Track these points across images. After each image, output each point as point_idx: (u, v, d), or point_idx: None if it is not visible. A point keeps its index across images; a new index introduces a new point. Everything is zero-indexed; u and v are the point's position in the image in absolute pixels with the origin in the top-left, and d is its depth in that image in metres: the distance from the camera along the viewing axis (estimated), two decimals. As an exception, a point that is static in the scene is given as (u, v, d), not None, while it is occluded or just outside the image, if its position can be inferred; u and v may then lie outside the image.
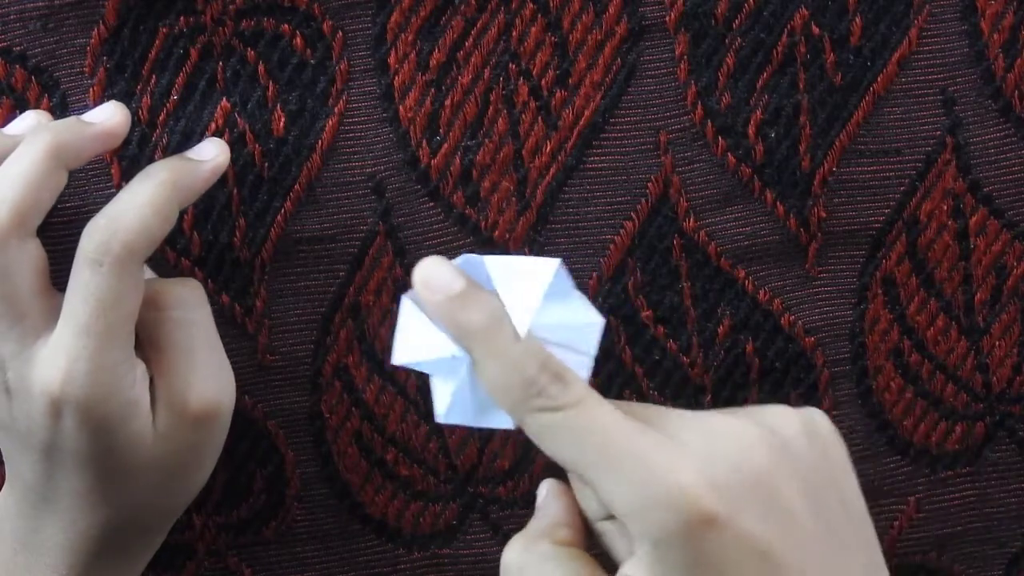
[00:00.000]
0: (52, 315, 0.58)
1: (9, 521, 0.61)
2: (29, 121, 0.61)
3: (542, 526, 0.55)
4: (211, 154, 0.61)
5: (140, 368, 0.59)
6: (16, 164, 0.58)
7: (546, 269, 0.54)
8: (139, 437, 0.59)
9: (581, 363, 0.54)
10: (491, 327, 0.53)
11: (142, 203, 0.58)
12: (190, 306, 0.60)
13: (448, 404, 0.55)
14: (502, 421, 0.55)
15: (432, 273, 0.54)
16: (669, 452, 0.51)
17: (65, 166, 0.58)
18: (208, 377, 0.60)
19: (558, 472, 0.65)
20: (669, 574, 0.50)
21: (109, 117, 0.60)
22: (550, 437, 0.52)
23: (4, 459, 0.62)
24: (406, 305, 0.55)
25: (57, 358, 0.57)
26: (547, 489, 0.56)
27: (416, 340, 0.55)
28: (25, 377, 0.58)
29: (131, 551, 0.62)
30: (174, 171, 0.59)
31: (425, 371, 0.55)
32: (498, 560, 0.66)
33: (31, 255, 0.58)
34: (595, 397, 0.52)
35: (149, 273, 0.62)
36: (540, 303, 0.54)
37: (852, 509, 0.53)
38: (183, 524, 0.65)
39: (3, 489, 0.62)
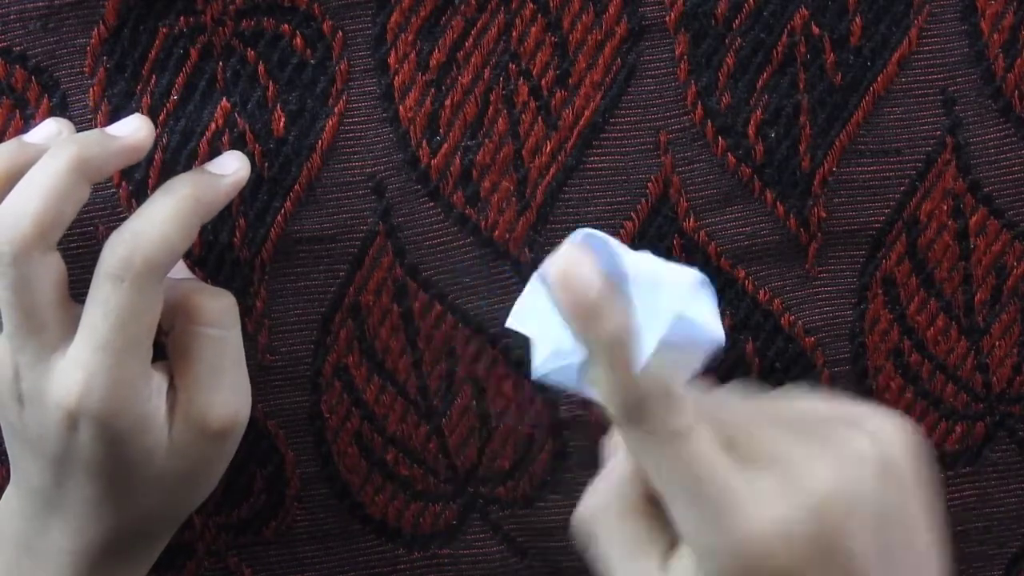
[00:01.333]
0: (70, 327, 0.58)
1: (13, 524, 0.61)
2: (50, 129, 0.61)
3: (614, 480, 0.55)
4: (232, 168, 0.61)
5: (156, 380, 0.59)
6: (39, 175, 0.58)
7: (686, 279, 0.52)
8: (152, 449, 0.59)
9: (691, 370, 0.53)
10: (616, 343, 0.51)
11: (164, 218, 0.58)
12: (225, 324, 0.60)
13: (547, 367, 0.53)
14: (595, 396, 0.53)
15: (571, 271, 0.51)
16: (747, 493, 0.51)
17: (88, 180, 0.58)
18: (230, 395, 0.60)
19: (561, 470, 0.65)
20: None
21: (134, 131, 0.60)
22: (644, 454, 0.52)
23: (11, 462, 0.61)
24: (535, 282, 0.53)
25: (75, 371, 0.57)
26: (615, 444, 0.56)
27: (536, 313, 0.53)
28: (41, 388, 0.58)
29: (135, 557, 0.62)
30: (196, 186, 0.59)
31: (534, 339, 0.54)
32: (499, 560, 0.66)
33: (52, 268, 0.58)
34: (696, 428, 0.51)
35: (185, 272, 0.62)
36: (672, 320, 0.52)
37: (918, 544, 0.54)
38: (183, 524, 0.65)
39: (8, 490, 0.62)
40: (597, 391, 0.52)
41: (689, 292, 0.52)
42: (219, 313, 0.60)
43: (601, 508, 0.54)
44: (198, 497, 0.62)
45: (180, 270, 0.63)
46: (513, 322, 0.54)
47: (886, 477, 0.52)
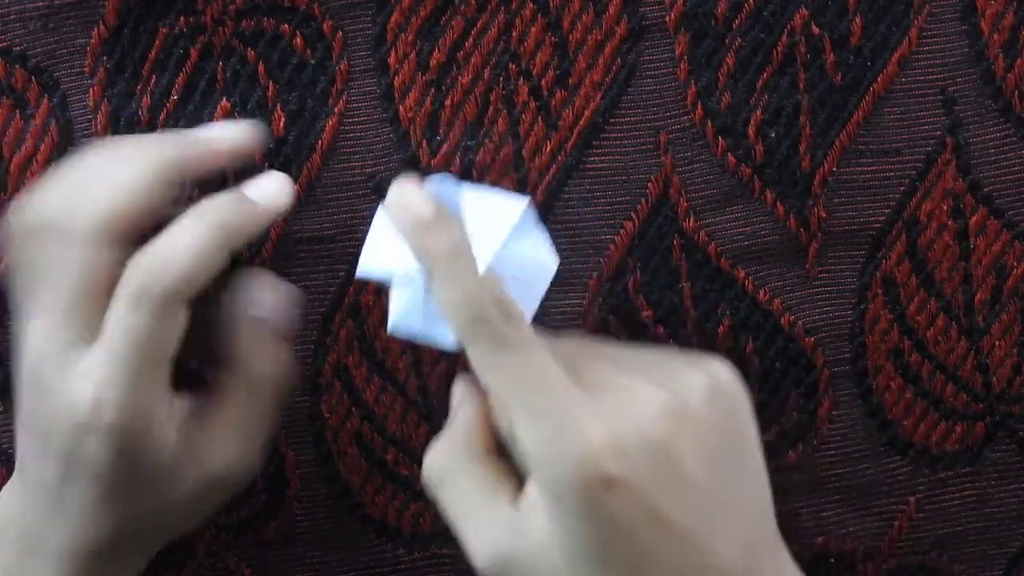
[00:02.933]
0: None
1: (16, 522, 0.61)
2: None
3: (460, 431, 0.58)
4: (271, 193, 0.60)
5: (177, 405, 0.59)
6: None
7: (515, 207, 0.57)
8: (156, 467, 0.58)
9: (530, 303, 0.57)
10: (452, 255, 0.56)
11: (189, 246, 0.57)
12: (277, 389, 0.60)
13: (400, 313, 0.57)
14: (446, 341, 0.57)
15: (406, 195, 0.57)
16: (585, 411, 0.54)
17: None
18: (249, 449, 0.60)
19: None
20: (564, 525, 0.54)
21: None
22: (487, 368, 0.55)
23: (19, 456, 0.61)
24: (379, 216, 0.58)
25: (89, 379, 0.57)
26: (461, 391, 0.59)
27: (384, 252, 0.58)
28: (53, 385, 0.58)
29: (131, 558, 0.61)
30: (227, 213, 0.58)
31: (386, 282, 0.58)
32: (498, 560, 0.66)
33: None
34: (537, 342, 0.55)
35: (263, 276, 0.61)
36: (504, 240, 0.57)
37: (749, 466, 0.56)
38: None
39: (11, 486, 0.62)
40: (442, 308, 0.56)
41: (520, 218, 0.57)
42: (277, 384, 0.60)
43: (449, 457, 0.57)
44: (196, 519, 0.62)
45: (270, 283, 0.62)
46: (364, 266, 0.58)
47: (714, 401, 0.55)
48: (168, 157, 0.59)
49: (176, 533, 0.62)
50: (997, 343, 0.65)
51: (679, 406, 0.54)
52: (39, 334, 0.58)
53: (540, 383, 0.54)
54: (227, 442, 0.60)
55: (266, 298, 0.61)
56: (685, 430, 0.54)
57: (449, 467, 0.57)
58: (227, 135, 0.61)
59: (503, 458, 0.57)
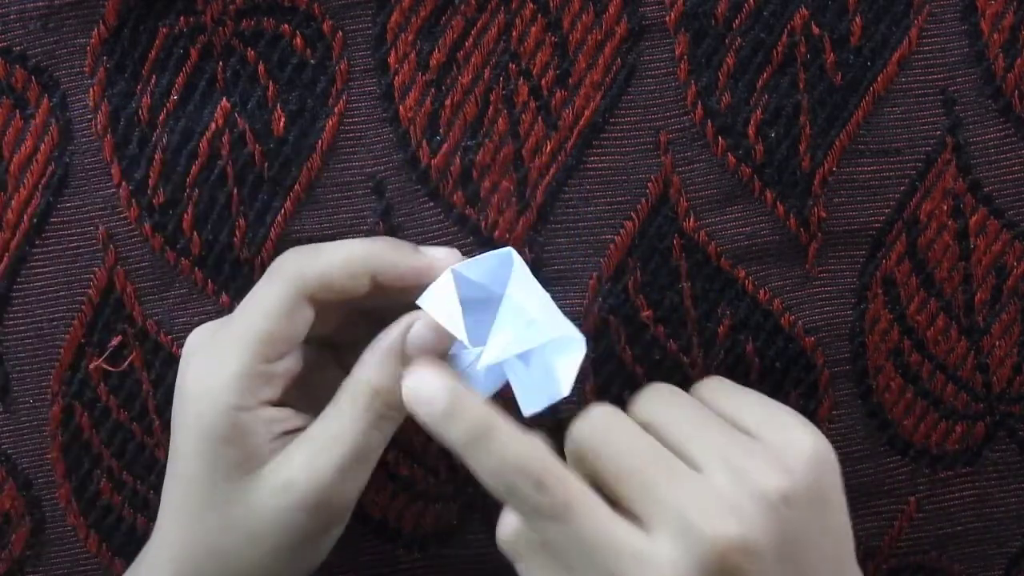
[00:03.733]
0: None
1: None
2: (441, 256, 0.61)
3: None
4: (438, 253, 0.61)
5: (269, 413, 0.59)
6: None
7: (561, 331, 0.58)
8: (248, 468, 0.59)
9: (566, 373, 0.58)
10: (472, 441, 0.55)
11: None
12: (389, 426, 0.60)
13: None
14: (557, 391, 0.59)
15: (421, 388, 0.56)
16: (651, 564, 0.53)
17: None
18: (340, 481, 0.59)
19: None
20: None
21: (437, 255, 0.60)
22: (540, 530, 0.55)
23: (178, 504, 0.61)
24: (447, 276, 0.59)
25: (307, 470, 0.58)
26: None
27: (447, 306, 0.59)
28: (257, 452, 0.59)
29: None
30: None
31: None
32: (498, 560, 0.66)
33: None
34: (581, 496, 0.55)
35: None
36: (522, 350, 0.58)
37: (841, 530, 0.57)
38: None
39: (161, 531, 0.62)
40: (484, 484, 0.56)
41: (556, 340, 0.58)
42: (396, 407, 0.59)
43: (515, 535, 0.56)
44: (264, 558, 0.61)
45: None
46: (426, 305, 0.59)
47: (788, 509, 0.54)
48: (370, 253, 0.60)
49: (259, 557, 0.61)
50: (997, 343, 0.65)
51: (746, 534, 0.53)
52: (223, 370, 0.59)
53: (591, 538, 0.54)
54: (319, 455, 0.59)
55: (422, 328, 0.60)
56: (754, 558, 0.53)
57: (521, 542, 0.57)
58: (440, 255, 0.61)
59: None
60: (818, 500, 0.55)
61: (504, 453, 0.55)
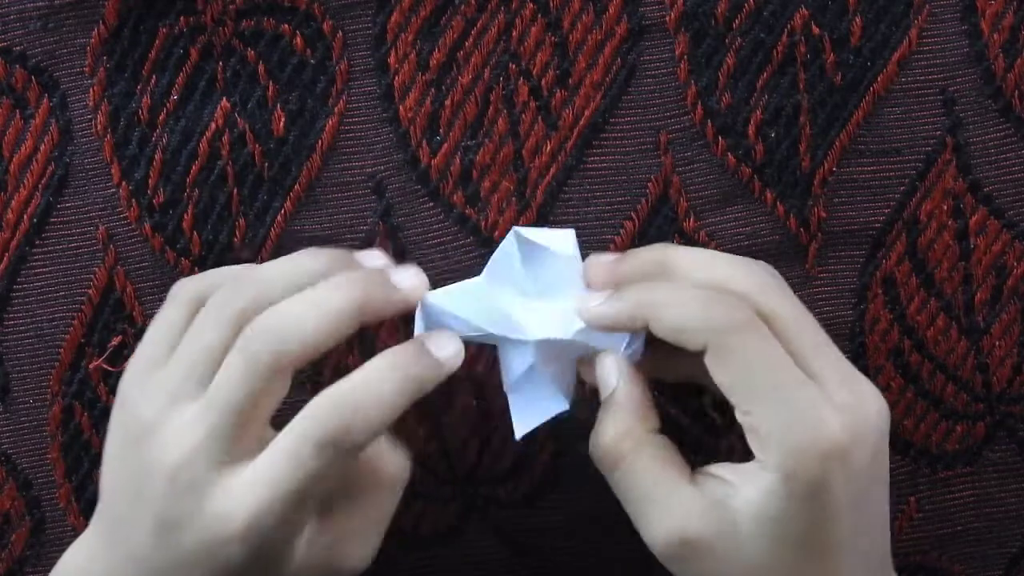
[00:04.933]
0: (259, 450, 0.56)
1: None
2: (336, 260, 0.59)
3: (629, 410, 0.57)
4: (449, 352, 0.58)
5: (312, 522, 0.58)
6: (321, 303, 0.56)
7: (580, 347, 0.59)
8: (284, 569, 0.58)
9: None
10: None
11: (385, 402, 0.56)
12: (397, 490, 0.59)
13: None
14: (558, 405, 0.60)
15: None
16: (824, 399, 0.55)
17: (360, 322, 0.57)
18: (367, 550, 0.59)
19: (561, 470, 0.65)
20: (779, 505, 0.55)
21: (413, 289, 0.58)
22: (721, 364, 0.55)
23: (111, 516, 0.59)
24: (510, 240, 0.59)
25: (247, 501, 0.55)
26: (618, 371, 0.58)
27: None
28: (206, 494, 0.56)
29: None
30: (424, 370, 0.57)
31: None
32: (499, 560, 0.66)
33: (281, 394, 0.56)
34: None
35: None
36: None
37: (882, 503, 0.58)
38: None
39: (89, 542, 0.60)
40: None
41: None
42: (404, 478, 0.59)
43: (624, 436, 0.57)
44: None
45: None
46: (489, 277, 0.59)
47: (882, 439, 0.57)
48: (355, 309, 0.57)
49: None
50: (997, 343, 0.65)
51: (885, 416, 0.57)
52: (194, 435, 0.56)
53: (777, 372, 0.55)
54: (358, 540, 0.59)
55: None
56: (883, 439, 0.57)
57: (624, 447, 0.57)
58: (407, 286, 0.59)
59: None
60: (883, 456, 0.58)
61: (684, 288, 0.57)
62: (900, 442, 0.66)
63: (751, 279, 0.57)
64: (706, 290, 0.56)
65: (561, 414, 0.60)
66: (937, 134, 0.64)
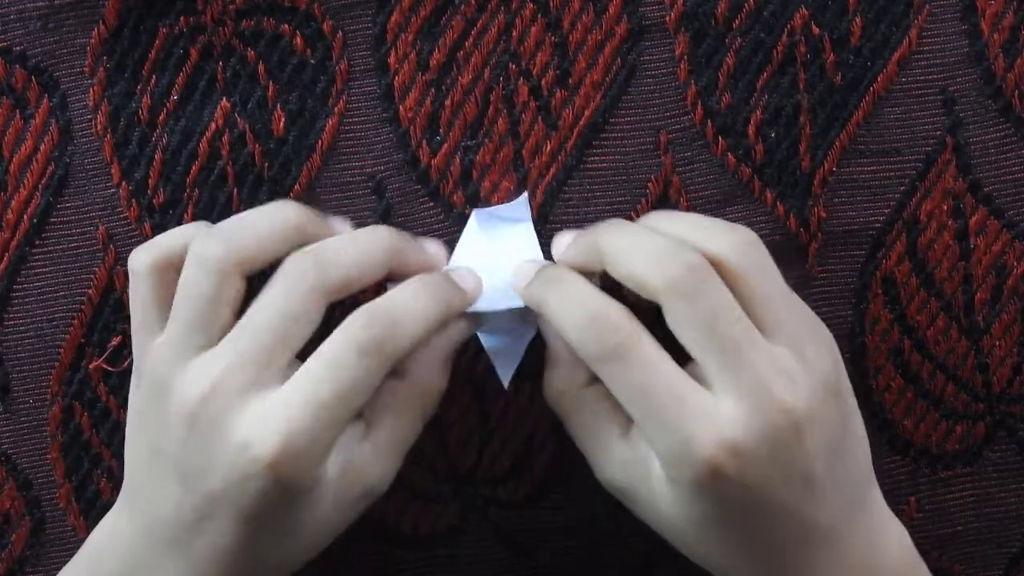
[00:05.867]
0: (286, 373, 0.56)
1: (119, 553, 0.59)
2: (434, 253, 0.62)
3: (563, 368, 0.60)
4: (471, 285, 0.60)
5: (342, 439, 0.57)
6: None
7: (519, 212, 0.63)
8: (312, 505, 0.57)
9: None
10: (551, 285, 0.58)
11: (424, 315, 0.57)
12: (429, 412, 0.60)
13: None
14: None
15: (521, 267, 0.61)
16: (701, 414, 0.55)
17: (440, 324, 0.58)
18: (393, 465, 0.59)
19: (561, 470, 0.65)
20: (677, 494, 0.56)
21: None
22: (605, 377, 0.56)
23: (133, 485, 0.59)
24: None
25: (279, 422, 0.55)
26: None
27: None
28: (228, 422, 0.55)
29: None
30: (448, 292, 0.59)
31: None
32: (499, 560, 0.66)
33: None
34: (648, 340, 0.56)
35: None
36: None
37: (854, 433, 0.59)
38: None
39: (117, 518, 0.60)
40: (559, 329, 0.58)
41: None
42: (441, 389, 0.60)
43: (561, 386, 0.59)
44: (318, 548, 0.59)
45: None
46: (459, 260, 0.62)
47: (836, 397, 0.57)
48: (396, 249, 0.59)
49: (311, 554, 0.60)
50: (997, 343, 0.65)
51: (799, 408, 0.56)
52: (217, 372, 0.56)
53: (652, 387, 0.55)
54: (383, 457, 0.58)
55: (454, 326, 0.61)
56: (800, 432, 0.56)
57: (562, 404, 0.60)
58: (440, 256, 0.62)
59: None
60: (847, 398, 0.58)
61: (582, 294, 0.57)
62: (900, 442, 0.66)
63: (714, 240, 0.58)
64: (660, 244, 0.57)
65: (532, 338, 0.62)
66: (937, 134, 0.64)
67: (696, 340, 0.56)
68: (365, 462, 0.58)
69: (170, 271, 0.58)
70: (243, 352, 0.56)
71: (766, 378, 0.55)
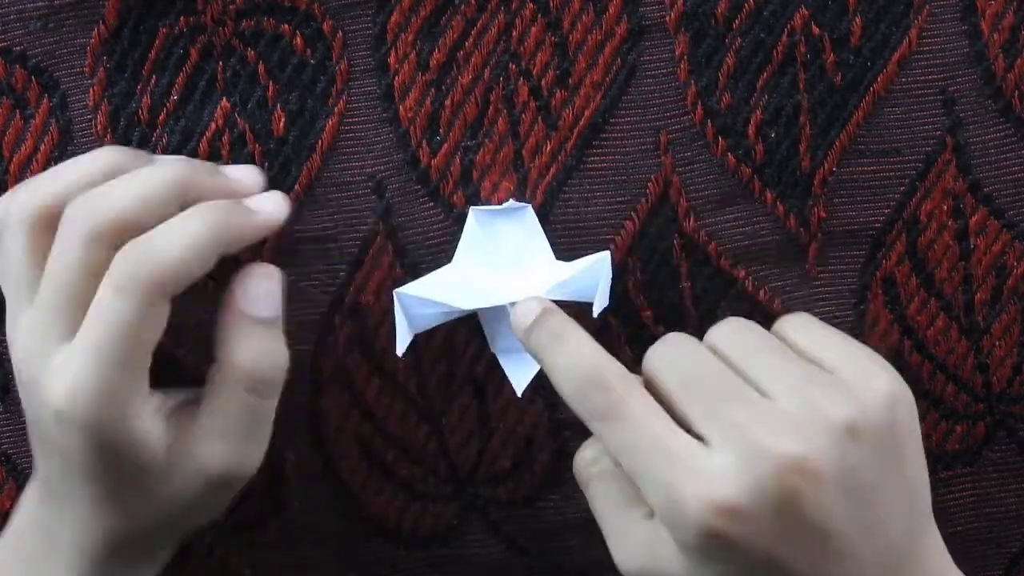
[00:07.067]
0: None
1: (35, 520, 0.61)
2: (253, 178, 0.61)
3: (595, 439, 0.59)
4: (268, 208, 0.60)
5: (155, 401, 0.58)
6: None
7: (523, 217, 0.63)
8: (146, 468, 0.58)
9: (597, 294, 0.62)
10: (548, 343, 0.59)
11: (184, 242, 0.56)
12: (267, 393, 0.59)
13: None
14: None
15: (520, 307, 0.60)
16: (694, 467, 0.54)
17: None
18: (240, 449, 0.59)
19: (561, 470, 0.65)
20: (689, 563, 0.55)
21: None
22: (601, 435, 0.56)
23: (32, 449, 0.61)
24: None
25: (66, 372, 0.56)
26: None
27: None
28: (36, 379, 0.57)
29: (143, 556, 0.61)
30: (225, 213, 0.58)
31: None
32: (499, 560, 0.66)
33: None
34: (632, 399, 0.56)
35: (254, 269, 0.60)
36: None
37: (905, 471, 0.57)
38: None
39: (31, 483, 0.62)
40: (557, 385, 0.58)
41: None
42: (266, 378, 0.59)
43: (590, 461, 0.59)
44: (195, 523, 0.62)
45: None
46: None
47: (854, 441, 0.55)
48: (183, 182, 0.58)
49: (184, 532, 0.62)
50: (997, 343, 0.65)
51: (812, 457, 0.54)
52: (28, 329, 0.57)
53: (646, 448, 0.55)
54: (218, 440, 0.59)
55: (256, 290, 0.59)
56: (808, 484, 0.54)
57: (592, 470, 0.59)
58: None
59: None
60: (890, 442, 0.55)
61: (578, 354, 0.57)
62: (900, 442, 0.66)
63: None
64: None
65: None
66: (937, 134, 0.64)
67: (680, 398, 0.56)
68: (194, 441, 0.58)
69: (49, 226, 0.58)
70: (44, 307, 0.57)
71: (757, 429, 0.54)
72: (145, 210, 0.57)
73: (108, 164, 0.58)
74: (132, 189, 0.57)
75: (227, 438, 0.59)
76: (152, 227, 0.57)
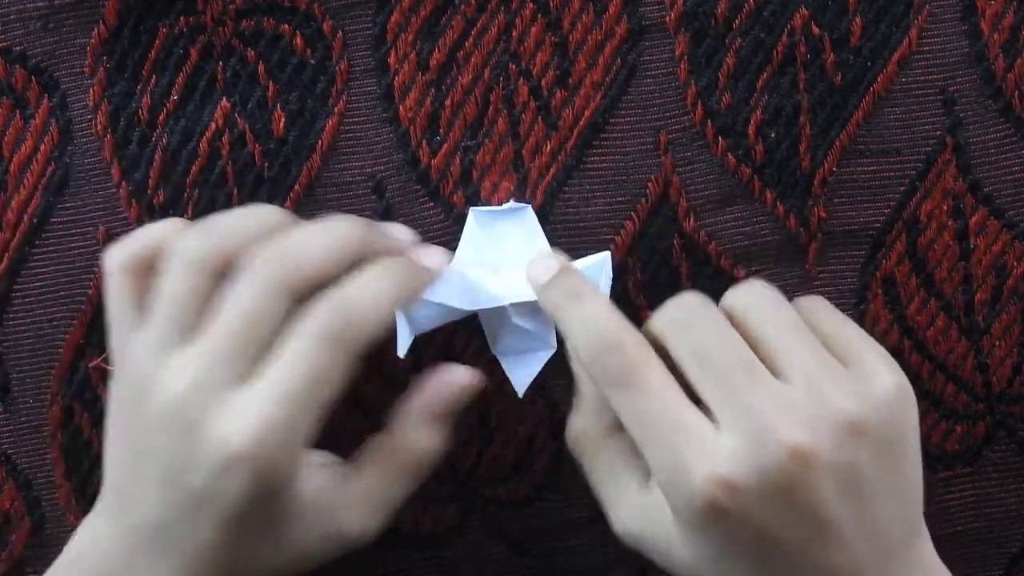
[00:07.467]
0: (259, 370, 0.56)
1: (103, 559, 0.59)
2: (391, 234, 0.62)
3: (593, 406, 0.61)
4: (437, 262, 0.61)
5: (317, 456, 0.59)
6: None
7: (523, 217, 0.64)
8: (290, 516, 0.58)
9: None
10: (564, 302, 0.59)
11: (379, 300, 0.57)
12: (422, 474, 0.61)
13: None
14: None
15: (537, 263, 0.61)
16: (705, 445, 0.55)
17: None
18: (379, 518, 0.60)
19: (561, 470, 0.65)
20: (685, 532, 0.56)
21: (440, 264, 0.61)
22: (613, 402, 0.57)
23: (114, 489, 0.59)
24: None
25: (253, 416, 0.55)
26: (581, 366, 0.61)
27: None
28: (207, 421, 0.55)
29: None
30: (409, 272, 0.59)
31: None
32: (499, 560, 0.66)
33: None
34: (655, 366, 0.56)
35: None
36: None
37: (901, 471, 0.58)
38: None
39: (95, 520, 0.60)
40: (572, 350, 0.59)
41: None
42: (433, 468, 0.61)
43: (582, 431, 0.60)
44: (304, 569, 0.60)
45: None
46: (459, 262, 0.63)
47: (857, 439, 0.56)
48: (364, 239, 0.58)
49: (288, 573, 0.60)
50: (997, 343, 0.65)
51: (806, 447, 0.55)
52: (193, 372, 0.56)
53: (657, 416, 0.56)
54: (362, 509, 0.59)
55: (447, 394, 0.61)
56: (808, 472, 0.55)
57: (584, 440, 0.60)
58: (407, 239, 0.62)
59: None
60: (892, 443, 0.57)
61: (598, 317, 0.57)
62: (900, 442, 0.66)
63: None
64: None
65: (552, 357, 0.63)
66: (937, 134, 0.64)
67: (692, 370, 0.56)
68: (340, 501, 0.59)
69: (144, 269, 0.58)
70: (217, 351, 0.56)
71: (767, 414, 0.55)
72: (335, 265, 0.57)
73: (276, 220, 0.59)
74: (320, 243, 0.57)
75: (376, 509, 0.60)
76: (333, 282, 0.57)
